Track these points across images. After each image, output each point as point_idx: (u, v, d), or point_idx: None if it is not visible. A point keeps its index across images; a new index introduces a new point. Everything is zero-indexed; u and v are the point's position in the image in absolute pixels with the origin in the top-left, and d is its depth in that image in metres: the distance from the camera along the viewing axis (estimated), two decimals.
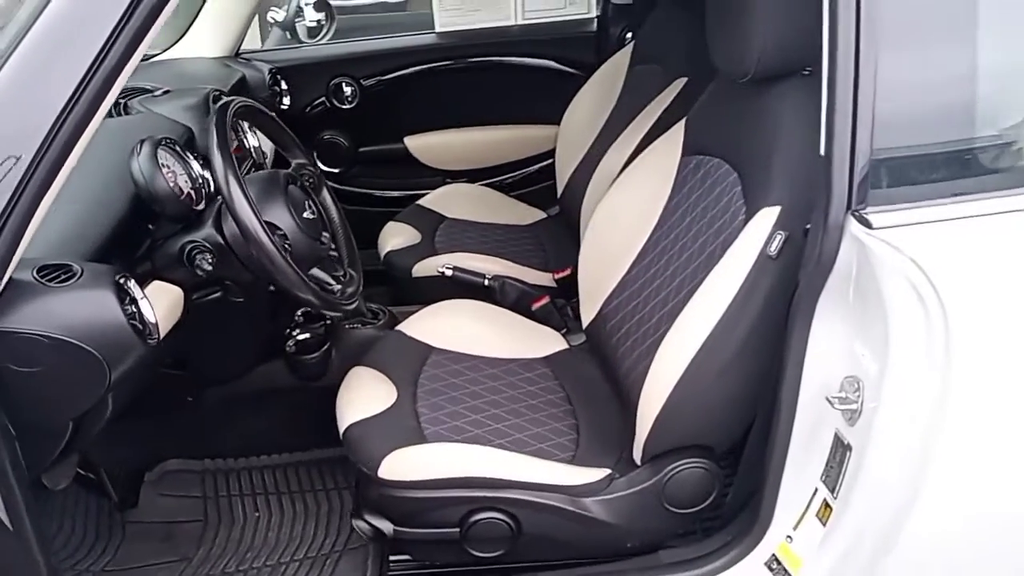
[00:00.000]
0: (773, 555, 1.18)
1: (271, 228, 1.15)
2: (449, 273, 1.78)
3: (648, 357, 1.31)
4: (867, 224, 0.96)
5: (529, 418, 1.43)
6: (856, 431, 1.05)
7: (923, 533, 1.06)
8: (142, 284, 1.12)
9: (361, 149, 2.39)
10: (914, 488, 1.03)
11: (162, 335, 1.10)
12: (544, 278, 1.87)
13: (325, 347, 1.67)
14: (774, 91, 1.18)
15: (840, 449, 1.08)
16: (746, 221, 1.18)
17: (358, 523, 1.27)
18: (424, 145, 2.39)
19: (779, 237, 1.10)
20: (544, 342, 1.64)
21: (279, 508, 1.56)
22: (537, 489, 1.24)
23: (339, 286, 1.32)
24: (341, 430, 1.36)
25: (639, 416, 1.25)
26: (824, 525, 1.11)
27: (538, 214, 2.23)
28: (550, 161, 2.27)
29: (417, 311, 1.67)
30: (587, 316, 1.60)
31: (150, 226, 1.21)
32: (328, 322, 1.72)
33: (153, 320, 1.07)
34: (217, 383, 1.63)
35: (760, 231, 1.13)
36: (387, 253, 1.97)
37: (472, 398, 1.46)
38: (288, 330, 1.66)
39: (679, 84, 1.73)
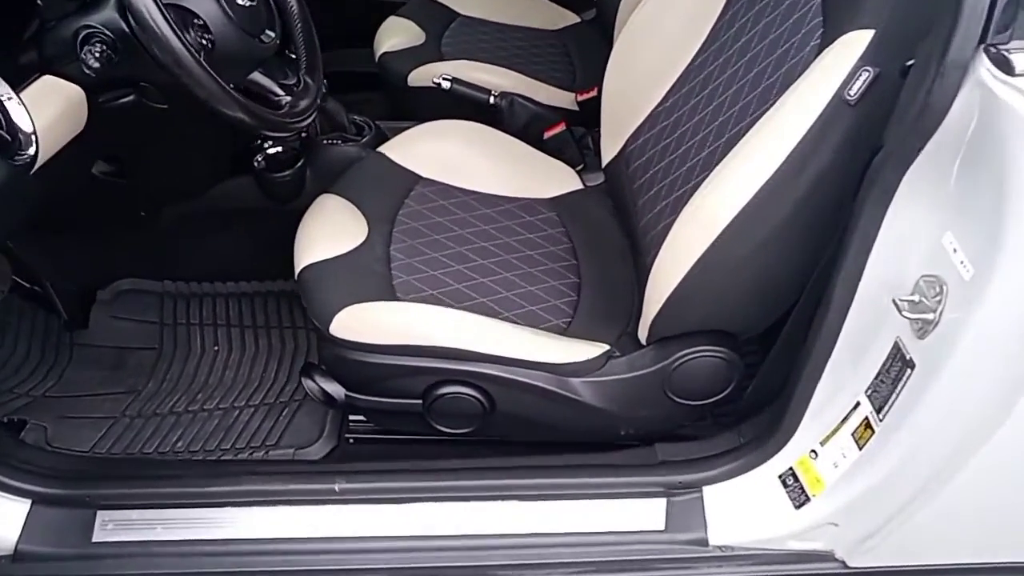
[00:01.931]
0: (791, 469, 0.98)
1: (183, 15, 0.87)
2: (446, 86, 1.47)
3: (673, 214, 1.05)
4: (1006, 66, 0.66)
5: (523, 272, 1.20)
6: (925, 347, 0.80)
7: (979, 487, 0.85)
8: (23, 79, 0.87)
9: None
10: (989, 431, 0.79)
11: (47, 146, 0.86)
12: (564, 98, 1.56)
13: (299, 164, 1.42)
14: None
15: (899, 364, 0.84)
16: (821, 48, 0.87)
17: (307, 383, 1.09)
18: None
19: (864, 75, 0.79)
20: (554, 179, 1.37)
21: (240, 343, 1.40)
22: (516, 365, 1.04)
23: (288, 98, 1.05)
24: (296, 270, 1.15)
25: (650, 287, 1.01)
26: (860, 448, 0.90)
27: (570, 17, 1.86)
28: None
29: (409, 129, 1.40)
30: (608, 152, 1.32)
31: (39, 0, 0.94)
32: (304, 135, 1.46)
33: (29, 129, 0.83)
34: (173, 199, 1.41)
35: (838, 64, 0.81)
36: (382, 54, 1.65)
37: (458, 243, 1.23)
38: (259, 142, 1.41)
39: None
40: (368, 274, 1.13)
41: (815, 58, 0.86)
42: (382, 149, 1.35)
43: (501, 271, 1.20)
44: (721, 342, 1.03)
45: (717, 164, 0.98)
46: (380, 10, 1.76)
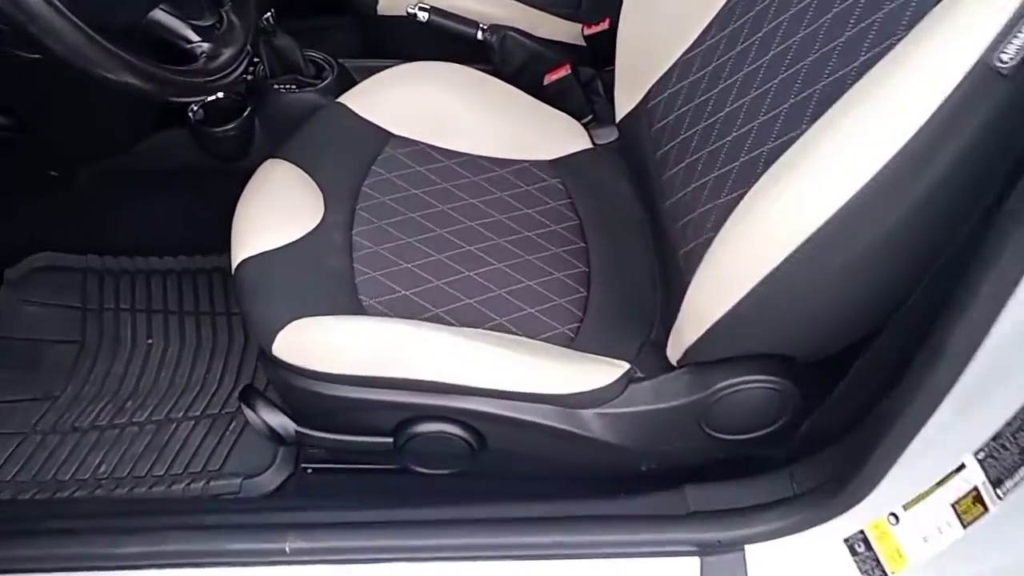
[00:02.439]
0: (862, 532, 0.77)
1: None
2: (423, 16, 1.19)
3: (714, 204, 0.81)
4: None
5: (520, 262, 0.96)
6: None
7: None
8: None
9: None
10: None
11: None
12: (569, 32, 1.28)
13: (245, 115, 1.16)
14: None
15: None
16: None
17: (248, 413, 0.87)
18: None
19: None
20: (556, 136, 1.11)
21: (178, 335, 1.16)
22: (513, 399, 0.81)
23: (206, 45, 0.78)
24: (232, 265, 0.91)
25: (690, 305, 0.77)
26: (964, 526, 0.69)
27: None
28: None
29: (380, 71, 1.13)
30: (624, 104, 1.07)
31: None
32: (250, 76, 1.19)
33: None
34: (89, 156, 1.15)
35: (982, 14, 0.56)
36: None
37: (440, 223, 0.98)
38: None
39: None
40: (323, 270, 0.89)
41: (935, 3, 0.60)
42: (344, 99, 1.08)
43: (493, 260, 0.96)
44: (777, 370, 0.80)
45: (781, 143, 0.73)
46: None
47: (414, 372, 0.79)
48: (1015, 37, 0.53)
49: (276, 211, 0.94)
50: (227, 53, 0.79)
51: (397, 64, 1.14)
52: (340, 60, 1.22)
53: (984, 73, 0.54)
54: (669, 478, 0.89)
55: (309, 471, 0.98)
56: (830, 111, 0.65)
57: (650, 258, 0.98)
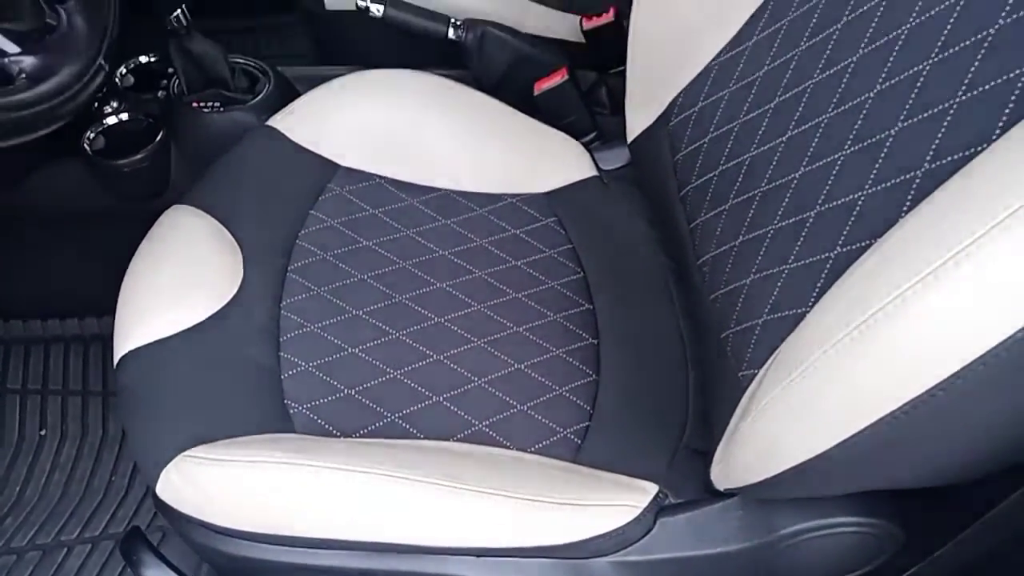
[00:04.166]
0: None
1: None
2: (377, 11, 0.94)
3: (781, 262, 0.57)
4: None
5: (505, 337, 0.72)
6: None
7: None
8: None
9: None
10: None
11: None
12: (564, 25, 1.03)
13: (158, 140, 0.91)
14: None
15: None
16: None
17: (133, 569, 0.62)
18: None
19: None
20: (550, 162, 0.87)
21: (78, 424, 0.92)
22: (499, 555, 0.57)
23: (27, 59, 0.53)
24: (114, 357, 0.67)
25: (754, 432, 0.52)
26: None
27: None
28: None
29: (329, 79, 0.88)
30: (638, 122, 0.82)
31: None
32: (163, 93, 0.94)
33: None
34: None
35: None
36: None
37: (399, 287, 0.74)
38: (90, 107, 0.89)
39: None
40: (236, 366, 0.65)
41: None
42: (275, 121, 0.83)
43: (470, 337, 0.72)
44: (872, 508, 0.56)
45: (891, 186, 0.49)
46: None
47: (358, 532, 0.55)
48: None
49: (177, 281, 0.70)
50: (64, 70, 0.54)
51: (350, 72, 0.89)
52: (279, 68, 0.98)
53: None
54: None
55: None
56: (979, 164, 0.41)
57: (677, 328, 0.74)
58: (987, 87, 0.45)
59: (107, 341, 0.99)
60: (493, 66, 0.93)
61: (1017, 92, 0.43)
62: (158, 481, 0.57)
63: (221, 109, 0.92)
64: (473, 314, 0.74)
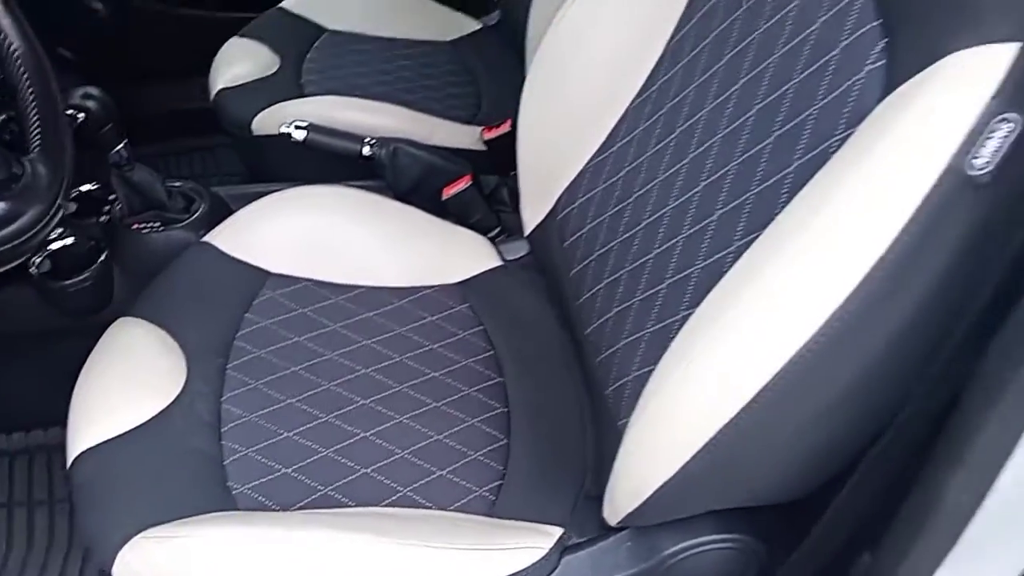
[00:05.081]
0: None
1: None
2: (299, 136, 1.06)
3: (642, 327, 0.69)
4: None
5: (427, 411, 0.82)
6: None
7: None
8: None
9: None
10: None
11: None
12: (467, 137, 1.17)
13: (101, 260, 1.00)
14: None
15: None
16: (891, 77, 0.50)
17: None
18: None
19: (1003, 131, 0.43)
20: (461, 256, 0.98)
21: (24, 534, 0.96)
22: None
23: None
24: (68, 458, 0.74)
25: (623, 466, 0.63)
26: None
27: (468, 24, 1.47)
28: None
29: (258, 197, 0.99)
30: (532, 217, 0.95)
31: None
32: (105, 217, 1.04)
33: None
34: None
35: (947, 112, 0.45)
36: (219, 91, 1.23)
37: (329, 375, 0.83)
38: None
39: None
40: (182, 456, 0.73)
41: (881, 97, 0.50)
42: (210, 237, 0.94)
43: (394, 414, 0.81)
44: (735, 525, 0.66)
45: (713, 262, 0.62)
46: (215, 31, 1.33)
47: None
48: (989, 138, 0.42)
49: (126, 384, 0.78)
50: (27, 215, 0.64)
51: (278, 189, 1.01)
52: (213, 188, 1.09)
53: (955, 182, 0.43)
54: None
55: None
56: (772, 231, 0.54)
57: (577, 392, 0.84)
58: (768, 184, 0.58)
59: (52, 452, 1.05)
60: (405, 177, 1.06)
61: (787, 187, 0.57)
62: (114, 563, 0.64)
63: (160, 229, 1.02)
64: (396, 394, 0.83)
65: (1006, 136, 0.42)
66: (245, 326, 0.86)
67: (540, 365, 0.88)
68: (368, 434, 0.79)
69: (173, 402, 0.77)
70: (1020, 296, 0.45)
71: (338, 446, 0.77)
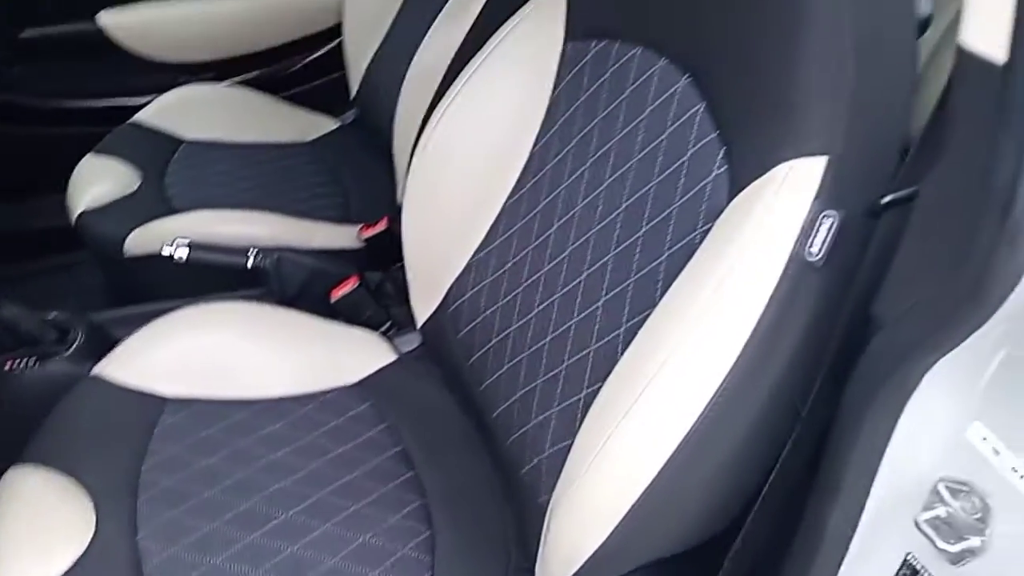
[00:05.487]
0: None
1: None
2: (182, 255, 1.07)
3: (549, 406, 0.75)
4: None
5: (347, 516, 0.83)
6: None
7: None
8: None
9: (25, 34, 1.49)
10: None
11: None
12: (346, 236, 1.22)
13: None
14: None
15: None
16: (735, 180, 0.61)
17: None
18: (135, 23, 1.51)
19: (828, 223, 0.54)
20: (357, 355, 1.02)
21: None
22: None
23: None
24: None
25: (551, 544, 0.69)
26: None
27: (325, 124, 1.52)
28: (336, 42, 1.55)
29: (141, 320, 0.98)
30: (422, 311, 1.00)
31: None
32: None
33: None
34: None
35: (785, 209, 0.55)
36: (80, 214, 1.20)
37: (244, 493, 0.83)
38: None
39: None
40: None
41: (730, 195, 0.60)
42: (99, 369, 0.92)
43: (316, 523, 0.82)
44: (663, 571, 0.73)
45: (607, 342, 0.70)
46: (69, 148, 1.29)
47: None
48: (819, 229, 0.53)
49: (33, 538, 0.75)
50: None
51: (158, 309, 1.00)
52: (89, 315, 1.06)
53: (800, 268, 0.54)
54: None
55: None
56: (657, 318, 0.62)
57: (487, 473, 0.90)
58: (643, 273, 0.68)
59: None
60: (291, 284, 1.08)
61: (661, 274, 0.66)
62: None
63: (36, 365, 0.98)
64: (316, 503, 0.85)
65: (830, 228, 0.53)
66: (150, 457, 0.85)
67: (448, 453, 0.93)
68: (295, 548, 0.80)
69: (85, 551, 0.75)
70: (864, 346, 0.56)
71: (268, 564, 0.77)
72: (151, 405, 0.90)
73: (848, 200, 0.54)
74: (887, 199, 0.53)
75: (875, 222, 0.54)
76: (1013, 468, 0.53)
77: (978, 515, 0.55)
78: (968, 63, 0.43)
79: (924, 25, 0.59)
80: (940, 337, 0.48)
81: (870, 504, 0.59)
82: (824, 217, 0.53)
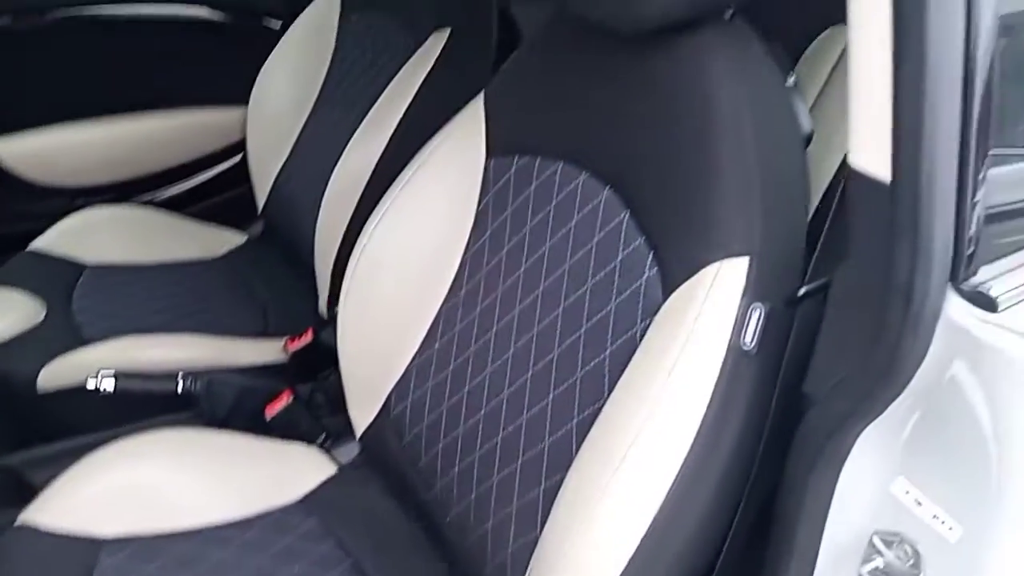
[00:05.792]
0: None
1: None
2: (108, 386, 1.04)
3: (509, 502, 0.78)
4: (986, 303, 0.52)
5: None
6: None
7: None
8: None
9: None
10: None
11: None
12: (271, 351, 1.21)
13: None
14: (688, 45, 0.68)
15: None
16: (667, 282, 0.68)
17: None
18: (31, 151, 1.48)
19: (756, 314, 0.61)
20: (296, 471, 1.01)
21: None
22: None
23: None
24: None
25: None
26: None
27: (232, 238, 1.52)
28: (240, 158, 1.57)
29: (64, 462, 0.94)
30: (361, 418, 1.01)
31: None
32: None
33: None
34: None
35: (718, 306, 0.63)
36: None
37: None
38: None
39: (439, 40, 1.16)
40: None
41: (665, 293, 0.67)
42: (25, 516, 0.87)
43: None
44: None
45: (561, 435, 0.74)
46: None
47: None
48: (750, 320, 0.60)
49: None
50: None
51: (77, 445, 0.96)
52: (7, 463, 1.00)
53: (738, 357, 0.61)
54: None
55: None
56: (609, 414, 0.68)
57: (440, 571, 0.90)
58: (589, 367, 0.73)
59: None
60: (222, 405, 1.07)
61: (607, 368, 0.72)
62: None
63: None
64: None
65: (759, 319, 0.60)
66: None
67: (400, 560, 0.93)
68: None
69: None
70: (799, 419, 0.63)
71: None
72: (87, 548, 0.86)
73: (770, 293, 0.61)
74: (803, 291, 0.61)
75: (795, 311, 0.62)
76: (934, 515, 0.61)
77: (911, 562, 0.62)
78: (859, 180, 0.52)
79: (808, 139, 0.69)
80: (864, 408, 0.55)
81: (821, 559, 0.65)
82: (752, 309, 0.60)
